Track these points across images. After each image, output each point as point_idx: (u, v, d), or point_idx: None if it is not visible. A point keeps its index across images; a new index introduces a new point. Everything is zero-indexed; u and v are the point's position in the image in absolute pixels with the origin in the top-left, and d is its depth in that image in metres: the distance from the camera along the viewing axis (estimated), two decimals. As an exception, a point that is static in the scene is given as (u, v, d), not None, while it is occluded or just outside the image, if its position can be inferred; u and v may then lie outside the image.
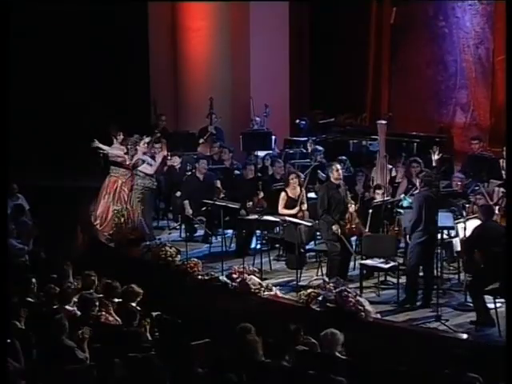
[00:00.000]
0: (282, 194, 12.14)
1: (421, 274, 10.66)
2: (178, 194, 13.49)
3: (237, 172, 13.85)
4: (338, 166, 11.34)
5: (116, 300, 9.43)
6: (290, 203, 12.00)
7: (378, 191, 12.07)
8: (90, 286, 9.59)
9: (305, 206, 12.03)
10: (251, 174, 13.13)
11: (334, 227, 11.02)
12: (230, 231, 12.89)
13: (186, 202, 13.14)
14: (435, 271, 10.83)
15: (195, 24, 16.26)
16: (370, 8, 16.73)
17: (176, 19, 16.44)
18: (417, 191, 11.34)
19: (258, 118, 15.32)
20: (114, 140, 13.36)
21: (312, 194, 12.76)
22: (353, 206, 11.18)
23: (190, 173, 13.47)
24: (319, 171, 13.13)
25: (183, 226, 13.39)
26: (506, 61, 11.53)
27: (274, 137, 14.69)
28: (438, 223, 10.38)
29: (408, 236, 10.73)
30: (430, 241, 10.45)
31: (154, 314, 9.16)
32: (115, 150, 13.27)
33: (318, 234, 12.30)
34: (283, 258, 12.36)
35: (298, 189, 12.13)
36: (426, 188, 10.65)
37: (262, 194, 12.62)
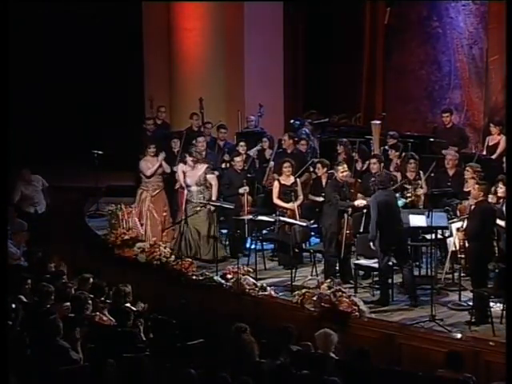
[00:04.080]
0: (275, 183, 12.19)
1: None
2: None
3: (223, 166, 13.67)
4: (345, 167, 11.46)
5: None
6: (284, 191, 12.01)
7: None
8: (86, 289, 9.58)
9: (300, 200, 12.06)
10: (240, 166, 12.88)
11: (356, 201, 11.22)
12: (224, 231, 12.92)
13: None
14: (429, 271, 10.88)
15: (190, 24, 16.24)
16: (364, 8, 16.74)
17: (170, 19, 16.43)
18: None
19: (252, 117, 15.32)
20: (146, 152, 13.04)
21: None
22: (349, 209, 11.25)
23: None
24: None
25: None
26: (506, 61, 11.53)
27: (268, 136, 14.67)
28: (401, 223, 10.54)
29: (371, 241, 10.66)
30: (397, 241, 10.53)
31: (149, 314, 9.18)
32: (149, 163, 12.98)
33: (313, 233, 12.36)
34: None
35: (292, 178, 12.18)
36: (381, 190, 10.68)
37: (247, 189, 12.56)
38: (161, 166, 13.05)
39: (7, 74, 8.86)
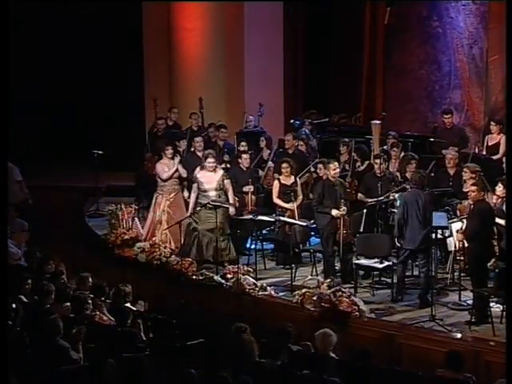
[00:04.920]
0: (275, 183, 12.19)
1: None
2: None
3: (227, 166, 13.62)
4: (336, 164, 11.44)
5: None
6: (284, 191, 12.01)
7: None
8: (85, 288, 9.58)
9: (299, 200, 12.05)
10: (247, 164, 12.78)
11: (334, 212, 11.11)
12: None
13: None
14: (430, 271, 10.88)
15: (190, 24, 16.25)
16: (364, 8, 16.75)
17: (170, 19, 16.44)
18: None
19: (251, 117, 15.30)
20: (163, 154, 12.71)
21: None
22: (345, 209, 11.20)
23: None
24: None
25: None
26: (506, 61, 11.56)
27: (266, 136, 14.67)
28: (431, 223, 10.45)
29: (396, 237, 10.72)
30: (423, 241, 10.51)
31: (149, 314, 9.18)
32: (166, 166, 12.59)
33: (312, 233, 12.35)
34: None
35: (292, 177, 12.17)
36: (415, 187, 10.70)
37: (251, 188, 12.54)
38: (177, 169, 12.70)
39: (7, 73, 8.87)
